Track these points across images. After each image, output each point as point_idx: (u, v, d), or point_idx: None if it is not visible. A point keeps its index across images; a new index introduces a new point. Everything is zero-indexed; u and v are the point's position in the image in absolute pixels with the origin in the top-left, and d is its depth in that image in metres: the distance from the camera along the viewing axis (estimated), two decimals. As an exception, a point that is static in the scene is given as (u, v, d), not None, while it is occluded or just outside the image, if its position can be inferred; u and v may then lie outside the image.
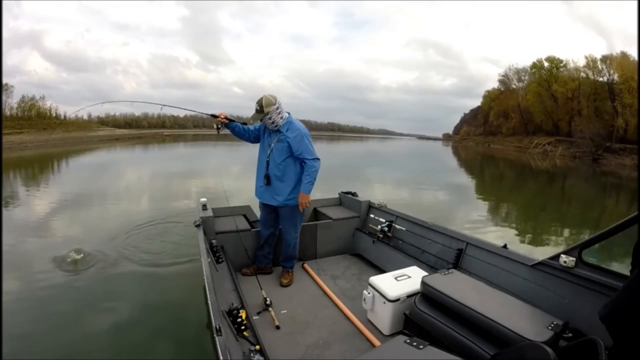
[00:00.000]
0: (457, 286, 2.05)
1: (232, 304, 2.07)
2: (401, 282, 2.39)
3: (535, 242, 6.39)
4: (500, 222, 7.78)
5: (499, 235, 6.29)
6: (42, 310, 3.12)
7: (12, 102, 51.86)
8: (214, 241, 3.03)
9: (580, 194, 14.11)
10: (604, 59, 43.95)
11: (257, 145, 2.98)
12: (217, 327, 1.55)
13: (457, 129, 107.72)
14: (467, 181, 16.47)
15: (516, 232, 6.92)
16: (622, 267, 1.81)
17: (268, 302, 2.56)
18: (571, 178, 20.73)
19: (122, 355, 2.55)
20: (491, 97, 70.55)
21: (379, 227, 3.52)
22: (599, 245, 1.91)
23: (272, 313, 2.47)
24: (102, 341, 2.69)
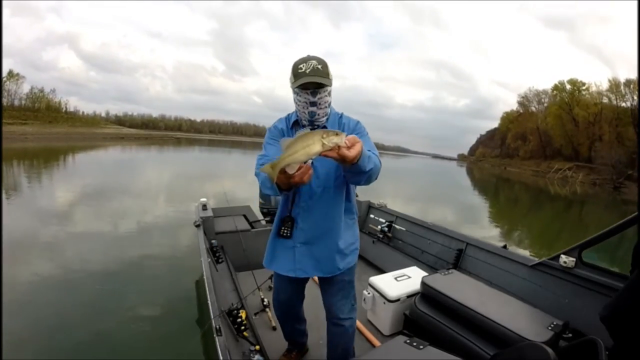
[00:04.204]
0: (457, 286, 2.12)
1: (232, 304, 2.12)
2: (401, 282, 2.44)
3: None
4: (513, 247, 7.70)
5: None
6: (39, 309, 3.15)
7: (21, 92, 53.39)
8: (214, 241, 3.10)
9: (599, 223, 13.91)
10: (628, 83, 43.97)
11: None
12: (217, 327, 1.62)
13: (473, 149, 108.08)
14: (480, 203, 16.36)
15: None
16: (622, 268, 1.84)
17: (265, 303, 2.61)
18: (590, 205, 20.47)
19: (121, 355, 2.60)
20: (509, 119, 70.72)
21: (379, 227, 3.60)
22: (599, 245, 1.95)
23: (270, 314, 2.53)
24: (101, 341, 2.74)
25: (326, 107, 1.57)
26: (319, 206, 1.61)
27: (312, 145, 1.07)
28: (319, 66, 1.46)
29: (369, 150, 1.41)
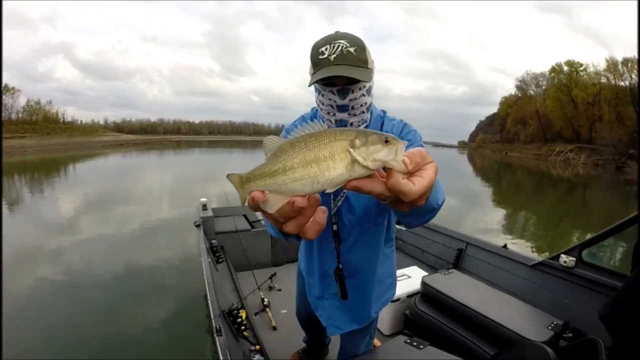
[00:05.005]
0: (457, 286, 2.11)
1: (232, 304, 2.13)
2: (401, 282, 2.43)
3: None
4: (517, 234, 7.67)
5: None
6: (44, 312, 3.22)
7: (18, 105, 53.93)
8: (214, 241, 3.11)
9: (603, 205, 13.87)
10: (625, 61, 43.63)
11: None
12: (217, 327, 1.62)
13: (473, 136, 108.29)
14: (482, 190, 16.33)
15: (532, 246, 6.81)
16: (622, 267, 1.83)
17: (266, 303, 2.61)
18: (593, 187, 20.41)
19: (122, 355, 2.63)
20: (508, 104, 70.52)
21: None
22: (599, 245, 1.94)
23: (270, 314, 2.53)
24: (103, 342, 2.77)
25: (363, 112, 1.02)
26: (354, 253, 1.17)
27: (327, 163, 0.44)
28: (351, 49, 0.92)
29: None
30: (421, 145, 1.04)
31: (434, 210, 0.71)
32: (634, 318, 1.42)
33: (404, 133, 1.07)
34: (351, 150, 0.44)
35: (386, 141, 0.44)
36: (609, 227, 1.85)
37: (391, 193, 0.44)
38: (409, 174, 0.45)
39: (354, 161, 0.44)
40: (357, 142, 0.44)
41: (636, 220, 1.67)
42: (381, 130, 1.07)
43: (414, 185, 0.44)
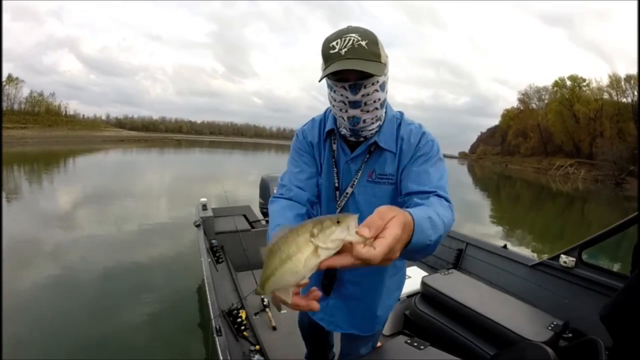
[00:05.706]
0: (457, 286, 2.13)
1: (232, 304, 2.13)
2: (401, 282, 2.43)
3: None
4: (515, 245, 7.67)
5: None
6: (42, 312, 3.18)
7: (21, 96, 54.12)
8: (214, 241, 3.12)
9: (601, 220, 13.89)
10: (628, 78, 44.00)
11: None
12: (217, 327, 1.64)
13: (474, 147, 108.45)
14: (480, 201, 16.36)
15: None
16: (622, 268, 1.85)
17: (265, 303, 2.61)
18: (592, 202, 20.47)
19: (123, 356, 2.62)
20: (510, 116, 70.89)
21: None
22: (599, 245, 1.95)
23: (270, 314, 2.53)
24: (103, 342, 2.75)
25: (376, 108, 0.99)
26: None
27: (297, 256, 0.53)
28: (363, 42, 0.90)
29: (433, 192, 0.90)
30: (440, 158, 1.04)
31: (428, 246, 0.69)
32: (634, 318, 1.43)
33: (422, 144, 1.03)
34: (312, 239, 0.52)
35: (338, 222, 0.51)
36: (609, 227, 1.87)
37: (358, 262, 0.52)
38: (374, 238, 0.51)
39: (318, 248, 0.52)
40: (315, 231, 0.52)
41: (636, 221, 1.69)
42: (397, 133, 1.07)
43: (375, 250, 0.50)
